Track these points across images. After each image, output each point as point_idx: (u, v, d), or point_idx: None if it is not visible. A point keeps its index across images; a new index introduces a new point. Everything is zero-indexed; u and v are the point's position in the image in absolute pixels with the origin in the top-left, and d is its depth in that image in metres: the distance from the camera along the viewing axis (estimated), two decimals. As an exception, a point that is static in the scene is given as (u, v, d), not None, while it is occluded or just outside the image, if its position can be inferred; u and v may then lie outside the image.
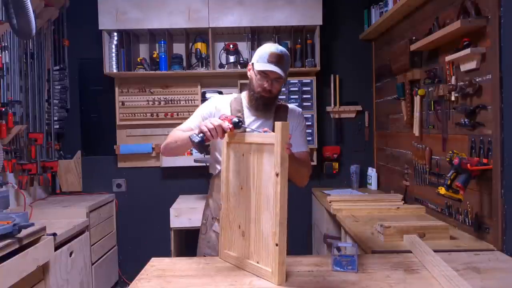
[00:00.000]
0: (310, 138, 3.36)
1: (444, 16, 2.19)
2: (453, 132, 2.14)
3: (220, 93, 3.17)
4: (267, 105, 1.72)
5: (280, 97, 1.87)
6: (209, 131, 1.46)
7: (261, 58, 1.65)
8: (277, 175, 1.32)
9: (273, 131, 1.37)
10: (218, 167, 1.77)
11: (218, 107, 1.77)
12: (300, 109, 1.88)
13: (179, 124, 3.72)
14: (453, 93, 2.07)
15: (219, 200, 1.69)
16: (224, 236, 1.58)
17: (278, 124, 1.33)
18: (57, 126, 3.39)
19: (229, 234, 1.56)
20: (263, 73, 1.65)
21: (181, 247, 3.19)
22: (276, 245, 1.31)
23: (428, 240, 1.82)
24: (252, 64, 1.71)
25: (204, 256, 1.77)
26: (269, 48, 1.66)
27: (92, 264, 2.95)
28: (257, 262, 1.42)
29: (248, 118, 1.75)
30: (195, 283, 1.39)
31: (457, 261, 1.57)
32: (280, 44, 1.75)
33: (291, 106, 1.86)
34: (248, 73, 1.75)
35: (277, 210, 1.31)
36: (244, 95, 1.81)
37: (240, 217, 1.51)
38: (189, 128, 1.76)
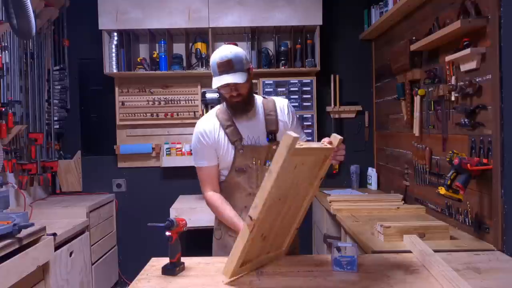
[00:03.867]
0: (310, 138, 3.35)
1: (444, 16, 2.19)
2: (453, 132, 2.14)
3: (220, 93, 3.17)
4: (247, 104, 1.72)
5: (280, 96, 1.87)
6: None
7: (214, 71, 1.63)
8: (320, 178, 1.48)
9: (268, 132, 1.55)
10: (224, 173, 1.79)
11: (206, 131, 1.75)
12: (286, 100, 1.86)
13: (179, 124, 3.72)
14: (453, 93, 2.07)
15: (234, 207, 1.73)
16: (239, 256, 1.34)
17: (336, 137, 1.52)
18: (57, 126, 3.39)
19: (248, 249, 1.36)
20: (222, 88, 1.64)
21: (181, 247, 3.18)
22: (297, 228, 1.47)
23: (428, 240, 1.82)
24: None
25: None
26: (215, 57, 1.62)
27: (92, 264, 2.95)
28: (268, 253, 1.46)
29: (240, 123, 1.74)
30: (195, 283, 1.39)
31: (457, 261, 1.57)
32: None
33: (276, 99, 1.84)
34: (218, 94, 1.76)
35: (306, 206, 1.47)
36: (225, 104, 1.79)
37: (265, 227, 1.38)
38: (211, 175, 1.78)
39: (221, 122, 1.74)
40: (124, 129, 3.54)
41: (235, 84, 1.62)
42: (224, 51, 1.62)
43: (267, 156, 1.72)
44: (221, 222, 1.81)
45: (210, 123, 1.76)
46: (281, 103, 1.82)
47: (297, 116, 1.88)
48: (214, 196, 1.75)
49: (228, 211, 1.70)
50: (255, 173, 1.72)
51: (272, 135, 1.74)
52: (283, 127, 1.76)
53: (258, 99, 1.81)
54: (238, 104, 1.68)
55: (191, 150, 3.48)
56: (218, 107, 1.83)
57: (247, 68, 1.66)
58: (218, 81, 1.61)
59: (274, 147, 1.69)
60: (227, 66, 1.59)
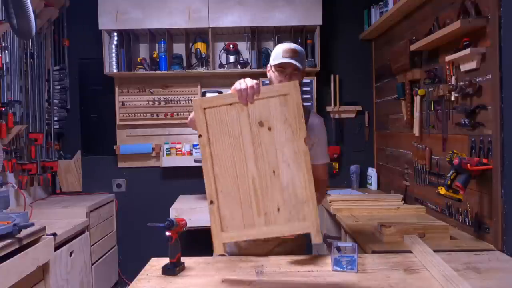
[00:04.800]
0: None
1: (444, 16, 2.19)
2: (453, 132, 2.14)
3: (220, 93, 3.17)
4: None
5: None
6: (242, 91, 1.37)
7: (277, 55, 1.70)
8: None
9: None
10: None
11: None
12: (321, 118, 1.85)
13: (179, 124, 3.72)
14: (453, 93, 2.07)
15: None
16: (221, 217, 1.39)
17: (289, 83, 1.40)
18: (57, 126, 3.39)
19: (230, 211, 1.39)
20: (280, 67, 1.68)
21: (181, 247, 3.18)
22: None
23: (428, 240, 1.82)
24: (270, 65, 1.75)
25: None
26: (283, 45, 1.72)
27: (92, 264, 2.95)
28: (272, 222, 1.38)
29: None
30: (195, 283, 1.39)
31: (457, 261, 1.57)
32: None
33: (313, 112, 1.84)
34: (268, 75, 1.77)
35: (308, 166, 1.36)
36: None
37: (245, 184, 1.38)
38: None
39: None
40: (124, 129, 3.54)
41: (293, 72, 1.67)
42: (292, 44, 1.73)
43: None
44: None
45: None
46: (315, 117, 1.81)
47: (326, 138, 1.82)
48: None
49: None
50: None
51: None
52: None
53: None
54: None
55: (191, 150, 3.50)
56: None
57: (304, 66, 1.73)
58: (280, 60, 1.67)
59: None
60: (293, 53, 1.67)
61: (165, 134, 3.55)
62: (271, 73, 1.75)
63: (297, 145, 1.36)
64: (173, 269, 1.46)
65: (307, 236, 1.42)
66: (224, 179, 1.39)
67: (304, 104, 1.85)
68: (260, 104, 1.38)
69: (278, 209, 1.38)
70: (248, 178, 1.39)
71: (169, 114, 3.48)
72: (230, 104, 1.39)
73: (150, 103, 3.49)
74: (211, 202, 1.39)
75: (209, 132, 1.39)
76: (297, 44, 3.28)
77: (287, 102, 1.37)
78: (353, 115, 3.56)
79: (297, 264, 1.55)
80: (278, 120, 1.37)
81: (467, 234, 1.99)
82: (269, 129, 1.37)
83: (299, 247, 1.77)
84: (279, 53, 1.70)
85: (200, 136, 1.40)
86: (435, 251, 1.61)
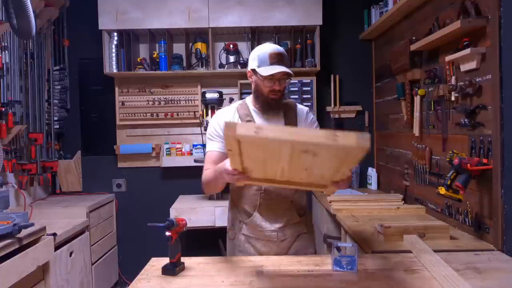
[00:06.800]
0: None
1: (444, 16, 2.19)
2: (453, 132, 2.14)
3: (220, 93, 3.17)
4: (277, 105, 1.70)
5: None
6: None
7: (262, 61, 1.62)
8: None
9: None
10: None
11: (220, 122, 1.71)
12: (307, 107, 1.85)
13: (179, 124, 3.72)
14: (453, 93, 2.07)
15: (245, 205, 1.74)
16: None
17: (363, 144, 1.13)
18: (57, 126, 3.39)
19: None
20: (270, 76, 1.61)
21: (181, 247, 3.18)
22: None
23: (428, 240, 1.82)
24: (253, 70, 1.67)
25: None
26: (266, 49, 1.64)
27: (92, 264, 2.95)
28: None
29: (259, 120, 1.72)
30: (195, 283, 1.39)
31: (457, 261, 1.57)
32: (280, 44, 1.75)
33: (298, 106, 1.82)
34: (250, 79, 1.71)
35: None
36: (249, 100, 1.77)
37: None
38: (213, 158, 1.68)
39: (241, 117, 1.73)
40: (124, 129, 3.54)
41: (282, 77, 1.63)
42: (274, 45, 1.66)
43: None
44: (234, 221, 1.80)
45: (229, 115, 1.75)
46: (301, 108, 1.81)
47: (318, 125, 1.84)
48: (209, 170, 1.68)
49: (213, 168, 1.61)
50: None
51: None
52: None
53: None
54: (274, 101, 1.67)
55: (191, 150, 3.50)
56: (239, 102, 1.82)
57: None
58: (272, 69, 1.59)
59: None
60: (279, 58, 1.62)
61: (165, 134, 3.55)
62: (256, 80, 1.66)
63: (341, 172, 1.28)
64: (173, 269, 1.46)
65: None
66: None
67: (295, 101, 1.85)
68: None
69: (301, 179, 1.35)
70: (277, 171, 1.31)
71: (169, 114, 3.48)
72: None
73: (150, 103, 3.49)
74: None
75: (242, 153, 1.24)
76: (297, 44, 3.34)
77: (348, 155, 1.15)
78: (353, 115, 3.56)
79: (297, 264, 1.55)
80: (328, 158, 1.18)
81: (467, 234, 1.99)
82: (314, 155, 1.16)
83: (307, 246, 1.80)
84: (264, 58, 1.61)
85: (229, 150, 1.24)
86: (435, 251, 1.62)
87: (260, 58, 1.63)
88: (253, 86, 1.71)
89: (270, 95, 1.65)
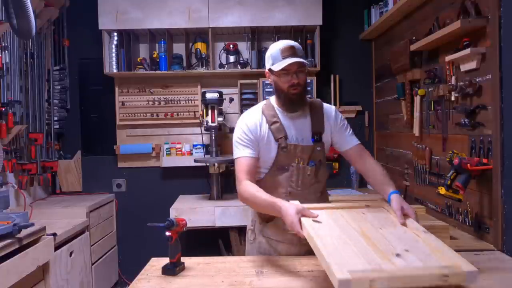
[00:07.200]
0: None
1: (444, 16, 2.19)
2: (453, 132, 2.14)
3: (220, 93, 3.17)
4: (300, 101, 1.67)
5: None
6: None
7: (275, 58, 1.61)
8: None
9: (314, 133, 1.68)
10: (263, 171, 1.70)
11: (249, 125, 1.67)
12: (334, 106, 1.83)
13: (179, 124, 3.71)
14: (453, 93, 2.07)
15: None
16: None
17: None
18: (57, 126, 3.39)
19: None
20: (283, 70, 1.59)
21: (181, 247, 3.18)
22: None
23: (428, 240, 1.82)
24: (269, 70, 1.65)
25: None
26: (278, 46, 1.62)
27: (92, 264, 2.95)
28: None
29: (285, 120, 1.68)
30: (195, 283, 1.39)
31: (457, 261, 1.57)
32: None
33: (325, 104, 1.80)
34: (269, 80, 1.70)
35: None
36: (273, 99, 1.74)
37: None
38: (246, 165, 1.63)
39: (267, 118, 1.68)
40: (124, 129, 3.54)
41: (299, 69, 1.60)
42: (285, 41, 1.65)
43: (310, 156, 1.67)
44: (256, 223, 1.77)
45: (255, 118, 1.69)
46: (328, 107, 1.79)
47: (348, 125, 1.81)
48: (251, 184, 1.59)
49: (265, 195, 1.53)
50: (296, 172, 1.66)
51: (318, 136, 1.69)
52: (329, 130, 1.73)
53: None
54: (296, 96, 1.63)
55: (191, 150, 3.50)
56: (263, 102, 1.77)
57: (307, 62, 1.65)
58: (284, 63, 1.57)
59: (318, 148, 1.68)
60: (291, 51, 1.59)
61: (165, 134, 3.55)
62: (274, 78, 1.65)
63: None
64: (173, 269, 1.46)
65: None
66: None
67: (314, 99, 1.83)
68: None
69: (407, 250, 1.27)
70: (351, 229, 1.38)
71: (169, 114, 3.48)
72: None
73: (150, 103, 3.49)
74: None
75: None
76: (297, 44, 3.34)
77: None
78: (353, 115, 3.56)
79: (297, 264, 1.55)
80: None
81: (467, 234, 1.99)
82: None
83: None
84: (276, 55, 1.60)
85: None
86: (435, 251, 1.61)
87: (273, 55, 1.63)
88: (273, 86, 1.69)
89: (291, 90, 1.62)
